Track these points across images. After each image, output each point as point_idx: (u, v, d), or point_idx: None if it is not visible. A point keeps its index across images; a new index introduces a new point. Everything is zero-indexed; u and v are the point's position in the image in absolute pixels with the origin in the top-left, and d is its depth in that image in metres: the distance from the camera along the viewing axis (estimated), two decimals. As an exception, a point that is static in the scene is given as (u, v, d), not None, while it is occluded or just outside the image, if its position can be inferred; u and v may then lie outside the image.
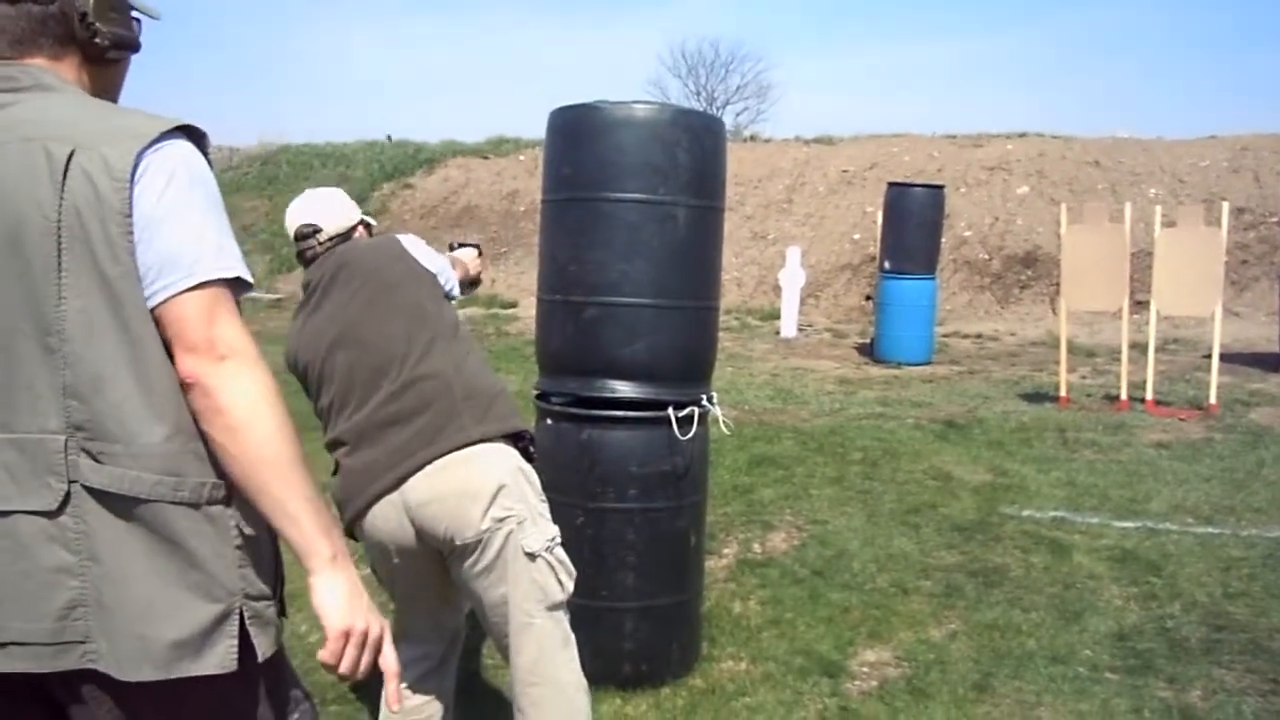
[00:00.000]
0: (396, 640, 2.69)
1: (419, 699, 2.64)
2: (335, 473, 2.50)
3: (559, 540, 2.45)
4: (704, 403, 3.36)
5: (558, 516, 2.61)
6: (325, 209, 2.67)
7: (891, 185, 12.05)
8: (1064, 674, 3.55)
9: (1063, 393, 8.69)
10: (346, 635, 1.43)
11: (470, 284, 3.02)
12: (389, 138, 21.01)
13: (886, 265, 11.43)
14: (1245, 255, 14.33)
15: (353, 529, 2.43)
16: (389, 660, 1.50)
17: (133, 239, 1.36)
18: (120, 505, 1.38)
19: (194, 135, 1.46)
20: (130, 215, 1.36)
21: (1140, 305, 9.87)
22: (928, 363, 11.30)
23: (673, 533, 3.41)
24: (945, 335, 13.15)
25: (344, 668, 1.44)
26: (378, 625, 1.48)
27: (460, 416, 2.39)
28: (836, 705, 3.36)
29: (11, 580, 1.37)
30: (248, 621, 1.47)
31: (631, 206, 3.23)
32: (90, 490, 1.37)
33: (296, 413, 1.50)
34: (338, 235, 2.65)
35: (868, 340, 12.46)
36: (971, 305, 15.12)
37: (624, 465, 3.30)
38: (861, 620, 4.04)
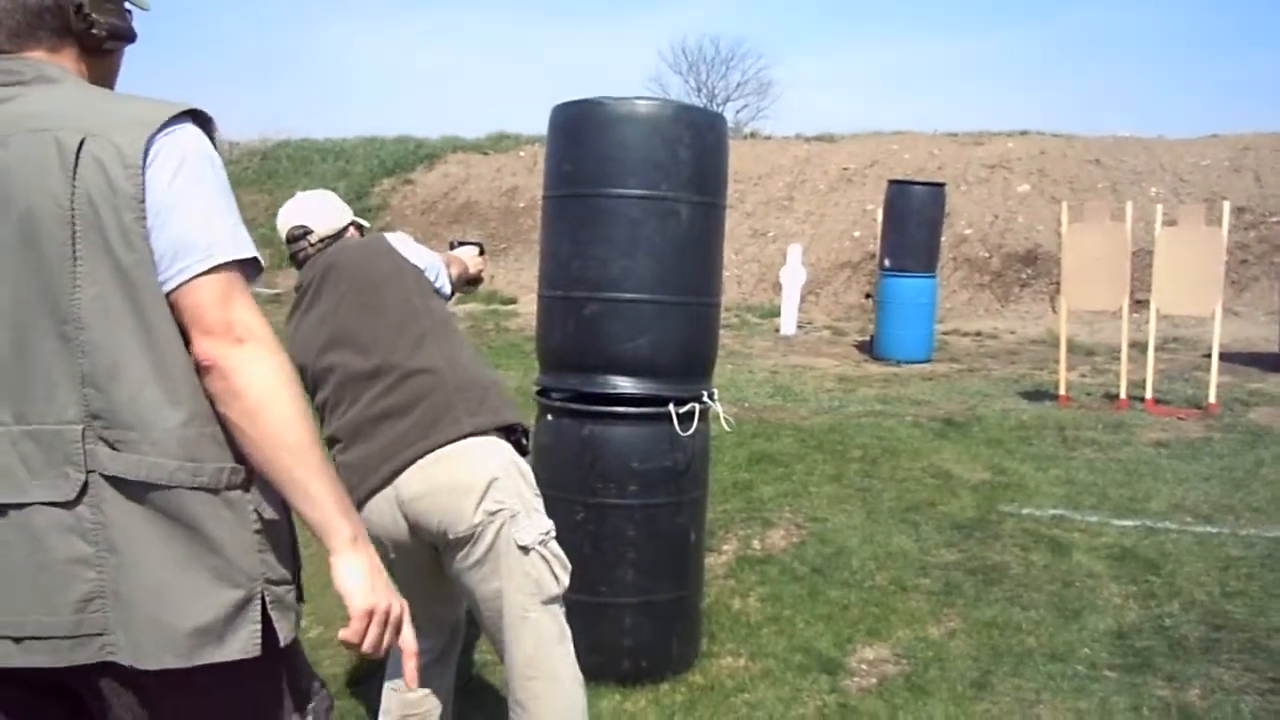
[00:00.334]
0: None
1: (419, 693, 2.64)
2: None
3: (553, 534, 2.45)
4: (705, 399, 3.37)
5: (558, 512, 2.62)
6: (315, 211, 2.70)
7: (892, 183, 12.04)
8: (1063, 672, 3.55)
9: (1062, 391, 8.69)
10: (370, 614, 1.44)
11: (471, 282, 3.02)
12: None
13: (887, 263, 11.43)
14: (1245, 255, 14.33)
15: None
16: (408, 639, 1.52)
17: (146, 225, 1.37)
18: (138, 493, 1.38)
19: (200, 120, 1.47)
20: (143, 201, 1.37)
21: (1140, 304, 9.87)
22: (927, 361, 11.30)
23: (673, 529, 3.41)
24: (945, 333, 13.15)
25: (367, 646, 1.44)
26: (398, 605, 1.49)
27: (453, 409, 2.40)
28: (835, 702, 3.36)
29: (28, 573, 1.37)
30: (269, 606, 1.47)
31: (633, 203, 3.23)
32: (108, 479, 1.37)
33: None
34: (329, 236, 2.68)
35: (867, 338, 12.47)
36: (971, 303, 15.13)
37: (625, 461, 3.31)
38: (861, 617, 4.05)
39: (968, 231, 16.08)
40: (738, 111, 38.49)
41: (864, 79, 76.33)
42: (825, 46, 76.95)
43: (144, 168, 1.37)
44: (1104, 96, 65.30)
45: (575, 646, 2.50)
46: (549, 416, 3.44)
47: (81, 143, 1.36)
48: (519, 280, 16.75)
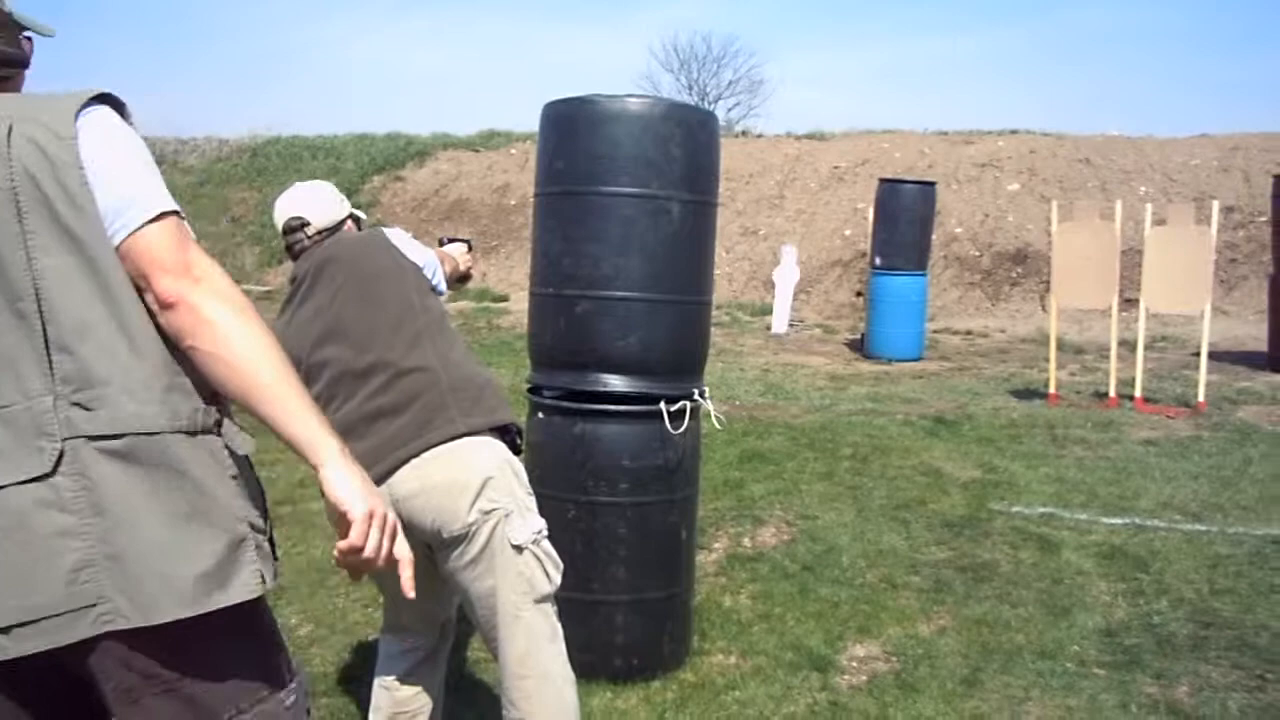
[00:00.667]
0: (386, 632, 2.71)
1: (409, 690, 2.65)
2: None
3: (546, 533, 2.45)
4: (696, 397, 3.37)
5: (549, 510, 2.62)
6: (313, 202, 2.66)
7: (883, 181, 12.07)
8: (1052, 669, 3.57)
9: (1052, 389, 8.72)
10: (371, 517, 1.44)
11: (460, 279, 3.01)
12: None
13: (877, 261, 11.45)
14: (1234, 254, 14.39)
15: None
16: (403, 548, 1.52)
17: (90, 187, 1.40)
18: (120, 448, 1.39)
19: (114, 103, 1.51)
20: (83, 169, 1.40)
21: (1129, 303, 9.90)
22: (918, 359, 11.33)
23: (664, 527, 3.42)
24: (935, 331, 13.17)
25: (369, 550, 1.44)
26: (392, 513, 1.50)
27: (448, 409, 2.39)
28: (826, 699, 3.37)
29: (10, 557, 1.36)
30: (255, 552, 1.49)
31: (625, 200, 3.23)
32: (88, 441, 1.37)
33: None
34: (326, 229, 2.64)
35: (858, 336, 12.48)
36: (962, 302, 15.15)
37: (616, 459, 3.31)
38: (851, 615, 4.05)
39: (958, 230, 16.11)
40: (729, 110, 38.47)
41: (855, 78, 76.41)
42: (816, 45, 77.04)
43: (74, 139, 1.41)
44: (1094, 96, 65.47)
45: (567, 644, 2.51)
46: (540, 414, 3.44)
47: (10, 128, 1.39)
48: (510, 278, 16.73)
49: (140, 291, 1.43)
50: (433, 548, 2.44)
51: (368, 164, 21.03)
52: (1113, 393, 8.47)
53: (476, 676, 3.53)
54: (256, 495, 1.54)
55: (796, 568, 4.57)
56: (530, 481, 2.54)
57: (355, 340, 2.44)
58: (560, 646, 2.48)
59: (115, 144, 1.45)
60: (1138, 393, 8.36)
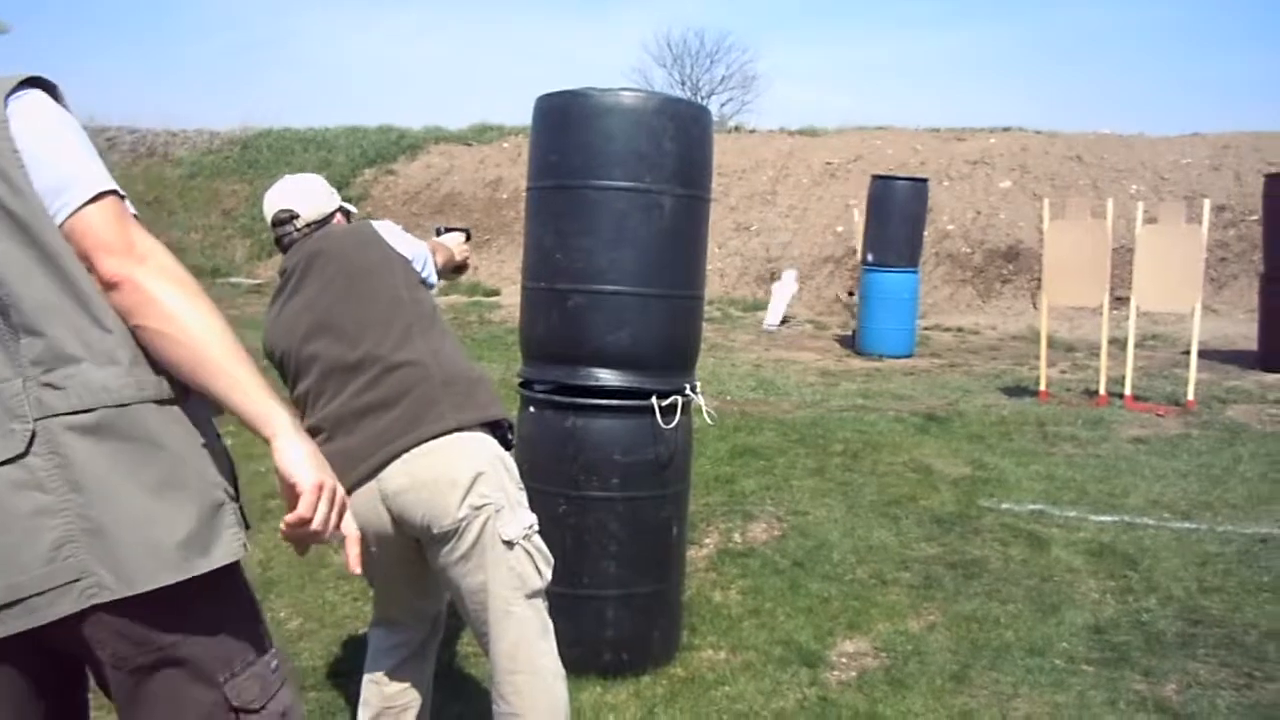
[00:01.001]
0: (376, 627, 2.70)
1: (398, 685, 2.64)
2: None
3: (537, 528, 2.45)
4: (687, 392, 3.37)
5: (540, 504, 2.61)
6: (303, 195, 2.65)
7: (875, 178, 12.07)
8: (1041, 666, 3.57)
9: (1042, 387, 8.73)
10: (320, 488, 1.45)
11: (456, 269, 3.00)
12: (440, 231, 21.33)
13: (869, 258, 11.46)
14: (1225, 253, 14.44)
15: None
16: (351, 525, 1.53)
17: (26, 170, 1.40)
18: (92, 422, 1.39)
19: (45, 86, 1.50)
20: (18, 151, 1.40)
21: (1120, 301, 9.92)
22: (909, 355, 11.34)
23: (655, 522, 3.41)
24: (927, 328, 13.20)
25: (318, 522, 1.45)
26: (341, 487, 1.50)
27: (439, 404, 2.38)
28: (815, 695, 3.37)
29: None
30: (233, 515, 1.50)
31: (617, 194, 3.22)
32: (60, 418, 1.37)
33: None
34: (315, 221, 2.63)
35: (849, 332, 12.50)
36: (953, 299, 15.18)
37: (607, 454, 3.30)
38: (841, 611, 4.06)
39: (950, 227, 16.13)
40: (722, 105, 38.50)
41: (848, 74, 76.44)
42: (809, 41, 77.04)
43: (6, 123, 1.41)
44: (1086, 94, 65.58)
45: (557, 639, 2.50)
46: (532, 408, 3.44)
47: None
48: (502, 272, 16.71)
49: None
50: (423, 543, 2.43)
51: (359, 157, 20.99)
52: (1103, 390, 8.49)
53: (466, 671, 3.53)
54: (226, 464, 1.55)
55: (787, 563, 4.57)
56: (521, 476, 2.53)
57: (344, 334, 2.43)
58: (550, 642, 2.47)
59: (49, 126, 1.45)
60: (1128, 391, 8.38)
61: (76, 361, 1.39)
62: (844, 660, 3.66)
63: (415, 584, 2.60)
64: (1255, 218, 13.26)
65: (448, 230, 3.06)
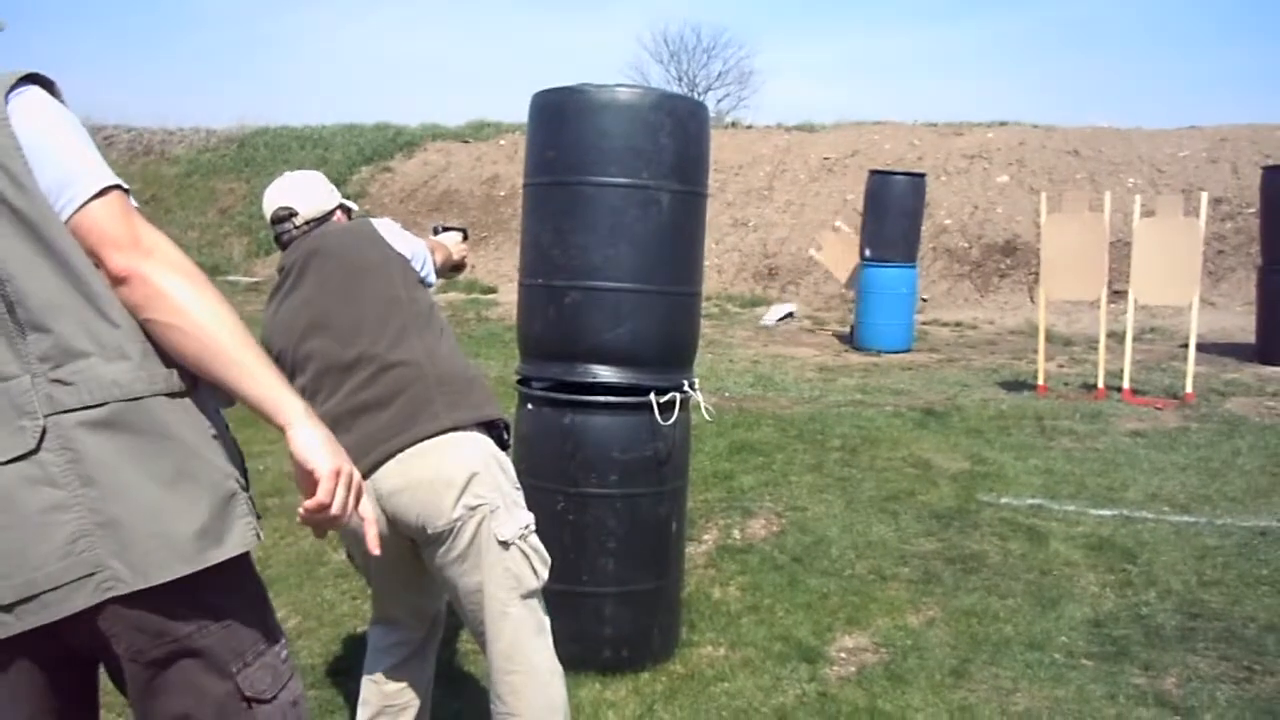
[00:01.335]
0: (375, 625, 2.70)
1: (398, 684, 2.63)
2: None
3: (533, 528, 2.44)
4: (686, 389, 3.36)
5: (538, 501, 2.60)
6: (302, 192, 2.64)
7: (873, 173, 12.07)
8: (1040, 660, 3.57)
9: (1040, 381, 8.73)
10: (338, 474, 1.45)
11: (454, 268, 2.99)
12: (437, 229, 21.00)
13: (867, 253, 11.46)
14: (1222, 246, 14.43)
15: None
16: (368, 508, 1.55)
17: (30, 168, 1.40)
18: (104, 417, 1.39)
19: (43, 82, 1.50)
20: (20, 148, 1.40)
21: (1118, 294, 9.93)
22: (907, 350, 11.34)
23: (654, 519, 3.41)
24: (925, 323, 13.20)
25: (336, 507, 1.45)
26: (358, 471, 1.51)
27: (434, 404, 2.37)
28: (815, 691, 3.37)
29: (2, 537, 1.36)
30: (246, 505, 1.51)
31: (614, 191, 3.21)
32: (71, 414, 1.38)
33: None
34: (314, 219, 2.62)
35: (847, 328, 12.49)
36: (951, 293, 15.18)
37: (606, 451, 3.30)
38: (840, 606, 4.06)
39: (947, 222, 16.13)
40: (719, 101, 38.38)
41: (845, 69, 76.35)
42: (806, 36, 76.92)
43: (7, 120, 1.40)
44: (1083, 87, 65.53)
45: (556, 636, 2.50)
46: (530, 406, 3.43)
47: None
48: (499, 269, 16.70)
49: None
50: (419, 543, 2.42)
51: (356, 154, 20.98)
52: (1101, 384, 8.49)
53: (465, 670, 3.52)
54: (235, 454, 1.56)
55: (786, 559, 4.57)
56: (519, 473, 2.53)
57: (341, 333, 2.42)
58: (547, 640, 2.47)
59: (50, 122, 1.45)
60: (1126, 384, 8.38)
61: (85, 356, 1.39)
62: (843, 656, 3.66)
63: (413, 583, 2.59)
64: (1253, 210, 13.26)
65: (445, 229, 3.06)
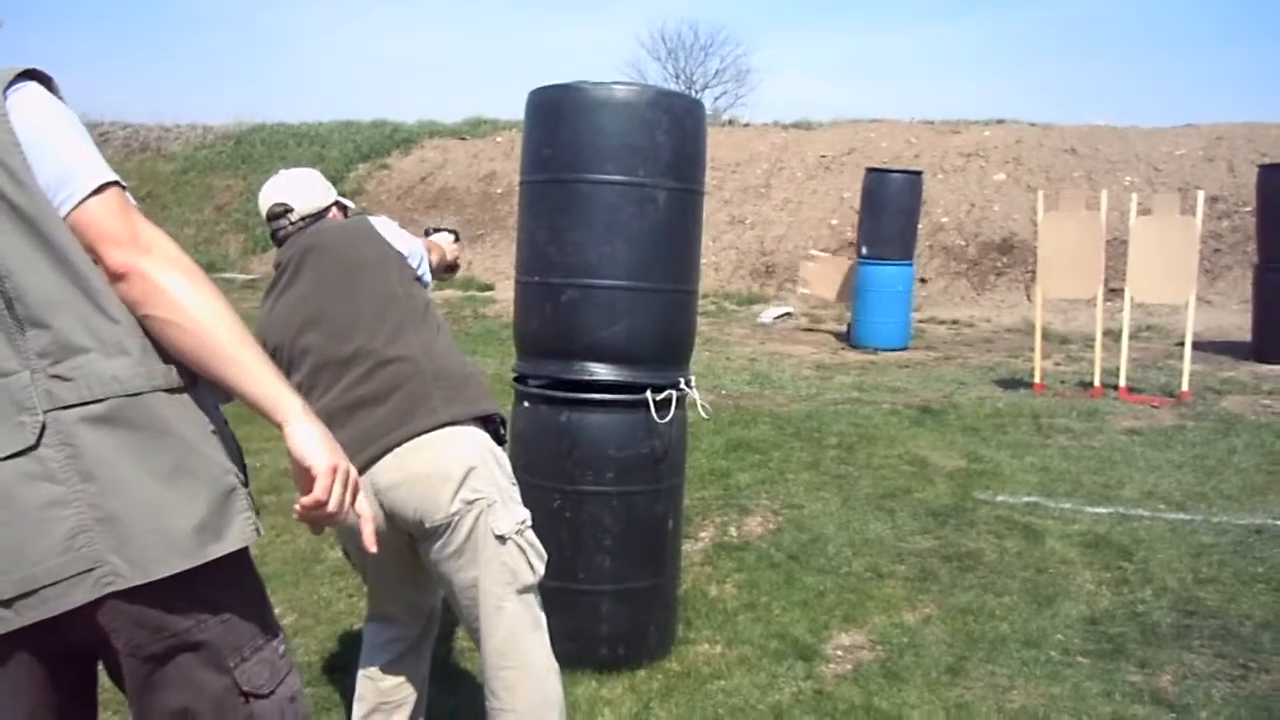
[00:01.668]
0: (370, 622, 2.70)
1: (394, 680, 2.63)
2: None
3: (529, 523, 2.44)
4: (682, 386, 3.36)
5: (535, 499, 2.60)
6: (298, 189, 2.64)
7: (870, 171, 12.08)
8: (1036, 658, 3.58)
9: (1037, 379, 8.74)
10: (334, 470, 1.46)
11: (447, 269, 2.99)
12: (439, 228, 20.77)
13: (864, 251, 11.46)
14: (1219, 244, 14.45)
15: None
16: (364, 505, 1.56)
17: (28, 164, 1.40)
18: (104, 412, 1.40)
19: (41, 78, 1.50)
20: (19, 145, 1.40)
21: (1114, 293, 9.93)
22: (904, 348, 11.35)
23: (650, 516, 3.41)
24: (921, 321, 13.21)
25: (333, 504, 1.46)
26: (354, 469, 1.51)
27: (430, 399, 2.38)
28: (811, 688, 3.37)
29: (3, 531, 1.37)
30: (245, 500, 1.52)
31: (611, 188, 3.21)
32: (71, 409, 1.38)
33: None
34: (310, 215, 2.62)
35: (844, 326, 12.50)
36: (948, 291, 15.18)
37: (602, 448, 3.30)
38: (836, 604, 4.06)
39: (944, 220, 16.13)
40: (716, 99, 38.33)
41: (842, 67, 76.33)
42: (804, 34, 76.90)
43: (5, 116, 1.41)
44: (1080, 86, 65.56)
45: (552, 633, 2.50)
46: (526, 403, 3.43)
47: None
48: (496, 267, 16.69)
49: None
50: (415, 538, 2.42)
51: (353, 152, 20.95)
52: (1097, 382, 8.50)
53: (461, 666, 3.52)
54: (235, 450, 1.56)
55: (782, 557, 4.57)
56: (515, 470, 2.53)
57: (337, 329, 2.42)
58: (543, 636, 2.47)
59: (48, 118, 1.45)
60: (1122, 382, 8.39)
61: (85, 352, 1.40)
62: (840, 653, 3.66)
63: (409, 579, 2.59)
64: (1249, 209, 13.28)
65: (437, 230, 3.05)
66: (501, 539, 2.35)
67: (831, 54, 76.47)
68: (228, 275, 16.97)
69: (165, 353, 1.46)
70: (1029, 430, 7.11)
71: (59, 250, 1.40)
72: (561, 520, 3.30)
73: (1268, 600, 4.09)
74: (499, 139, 20.43)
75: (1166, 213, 8.37)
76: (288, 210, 2.61)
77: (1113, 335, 9.07)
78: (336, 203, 2.72)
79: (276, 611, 1.63)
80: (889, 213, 11.31)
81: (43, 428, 1.37)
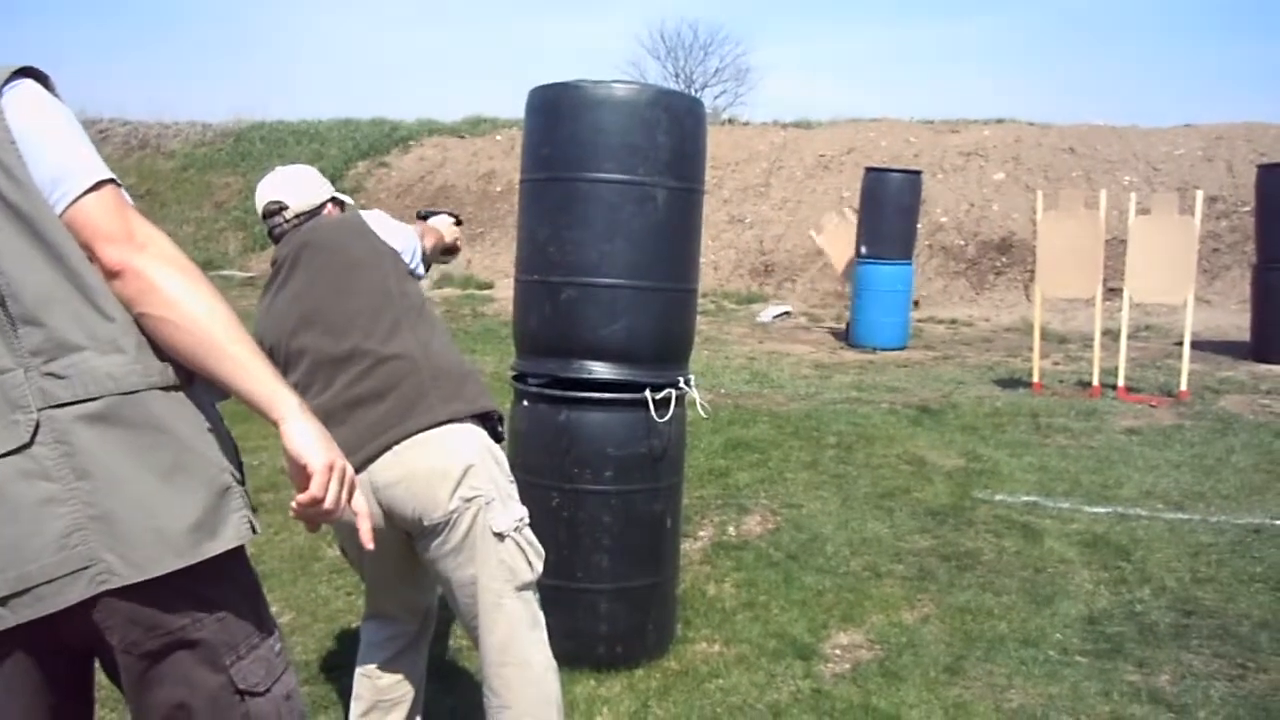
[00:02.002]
0: (368, 620, 2.70)
1: (391, 678, 2.63)
2: None
3: (527, 521, 2.44)
4: (681, 385, 3.36)
5: (534, 498, 2.60)
6: (293, 186, 2.64)
7: (869, 170, 12.07)
8: (1034, 657, 3.58)
9: (1036, 378, 8.75)
10: (331, 468, 1.46)
11: (446, 251, 2.97)
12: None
13: (863, 250, 11.46)
14: (1217, 244, 14.46)
15: None
16: (361, 503, 1.55)
17: (24, 161, 1.40)
18: (99, 410, 1.39)
19: (37, 76, 1.50)
20: (15, 141, 1.40)
21: (1113, 292, 9.94)
22: (903, 348, 11.35)
23: (649, 515, 3.41)
24: (920, 320, 13.21)
25: (329, 502, 1.46)
26: (350, 466, 1.52)
27: (428, 397, 2.38)
28: (809, 687, 3.37)
29: None
30: (241, 499, 1.52)
31: (611, 187, 3.21)
32: (65, 408, 1.38)
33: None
34: (305, 212, 2.62)
35: (843, 325, 12.50)
36: (946, 291, 15.19)
37: (601, 447, 3.30)
38: (835, 603, 4.06)
39: (943, 219, 16.14)
40: (715, 98, 38.32)
41: (841, 66, 76.30)
42: (803, 33, 76.90)
43: (1, 114, 1.41)
44: (1078, 85, 65.54)
45: (550, 632, 2.50)
46: (525, 402, 3.43)
47: None
48: (495, 265, 16.70)
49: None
50: (413, 536, 2.42)
51: (352, 150, 20.93)
52: (1096, 382, 8.50)
53: (459, 665, 3.52)
54: (231, 448, 1.56)
55: (781, 556, 4.57)
56: (514, 469, 2.53)
57: (333, 327, 2.42)
58: (541, 634, 2.47)
59: (45, 116, 1.45)
60: (1121, 382, 8.39)
61: (79, 350, 1.39)
62: (838, 652, 3.66)
63: (407, 577, 2.59)
64: (1248, 208, 13.29)
65: (433, 214, 3.02)
66: (500, 536, 2.35)
67: (831, 53, 76.43)
68: (227, 272, 16.97)
69: (161, 350, 1.46)
70: (1027, 430, 7.12)
71: (54, 247, 1.40)
72: (560, 519, 3.30)
73: (1266, 600, 4.09)
74: (498, 137, 20.42)
75: (1165, 212, 8.37)
76: (283, 207, 2.60)
77: (1111, 335, 9.08)
78: (332, 199, 2.72)
79: (274, 609, 1.63)
80: (888, 212, 11.31)
81: (37, 426, 1.37)
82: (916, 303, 13.05)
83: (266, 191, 2.63)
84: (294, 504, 1.47)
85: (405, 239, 2.61)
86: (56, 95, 1.50)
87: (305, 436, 1.45)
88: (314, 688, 3.32)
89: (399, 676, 2.63)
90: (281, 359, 2.47)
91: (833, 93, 74.87)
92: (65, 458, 1.38)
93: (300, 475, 1.45)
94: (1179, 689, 3.36)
